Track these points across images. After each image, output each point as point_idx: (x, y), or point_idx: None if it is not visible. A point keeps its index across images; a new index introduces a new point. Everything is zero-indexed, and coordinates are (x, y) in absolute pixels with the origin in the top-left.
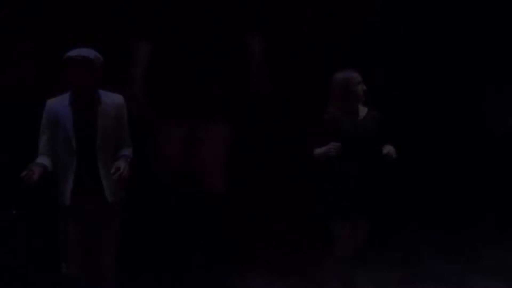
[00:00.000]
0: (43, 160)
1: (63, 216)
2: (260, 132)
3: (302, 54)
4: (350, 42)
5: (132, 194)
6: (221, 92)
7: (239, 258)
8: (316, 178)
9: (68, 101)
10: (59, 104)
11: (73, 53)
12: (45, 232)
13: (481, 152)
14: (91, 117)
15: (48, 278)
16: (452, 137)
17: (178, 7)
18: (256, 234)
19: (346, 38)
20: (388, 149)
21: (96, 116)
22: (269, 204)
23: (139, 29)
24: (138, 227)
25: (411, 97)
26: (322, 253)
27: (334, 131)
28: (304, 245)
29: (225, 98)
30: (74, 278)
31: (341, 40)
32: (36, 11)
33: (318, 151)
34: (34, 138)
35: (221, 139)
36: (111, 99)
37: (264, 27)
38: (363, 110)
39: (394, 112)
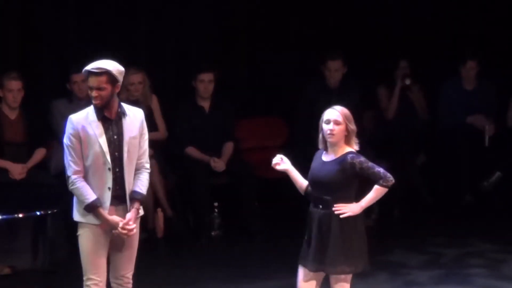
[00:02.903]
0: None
1: (90, 234)
2: None
3: None
4: None
5: None
6: None
7: None
8: None
9: (96, 116)
10: (84, 119)
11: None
12: None
13: None
14: (120, 130)
15: None
16: None
17: None
18: None
19: None
20: (340, 207)
21: (123, 130)
22: None
23: None
24: None
25: None
26: None
27: (310, 167)
28: None
29: None
30: None
31: None
32: None
33: None
34: None
35: None
36: (133, 112)
37: None
38: (342, 151)
39: None
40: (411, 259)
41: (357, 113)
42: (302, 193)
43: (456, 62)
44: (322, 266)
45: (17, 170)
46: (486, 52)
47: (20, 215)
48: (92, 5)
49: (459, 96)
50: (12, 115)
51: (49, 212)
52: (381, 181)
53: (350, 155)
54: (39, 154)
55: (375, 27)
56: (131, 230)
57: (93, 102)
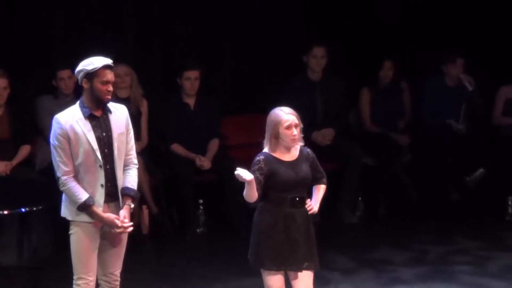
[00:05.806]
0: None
1: (82, 233)
2: None
3: None
4: None
5: None
6: None
7: None
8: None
9: (83, 114)
10: (71, 118)
11: (108, 61)
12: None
13: None
14: (108, 127)
15: None
16: None
17: None
18: None
19: None
20: (313, 205)
21: (111, 127)
22: None
23: None
24: None
25: None
26: None
27: (270, 173)
28: None
29: None
30: None
31: None
32: None
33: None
34: None
35: None
36: (118, 109)
37: None
38: (294, 148)
39: None
40: (397, 256)
41: (346, 107)
42: (254, 200)
43: (441, 60)
44: (308, 263)
45: (1, 168)
46: (470, 50)
47: (5, 212)
48: (78, 2)
49: (443, 94)
50: None
51: (34, 208)
52: (324, 180)
53: (308, 150)
54: (24, 151)
55: (360, 26)
56: (128, 227)
57: (106, 97)
